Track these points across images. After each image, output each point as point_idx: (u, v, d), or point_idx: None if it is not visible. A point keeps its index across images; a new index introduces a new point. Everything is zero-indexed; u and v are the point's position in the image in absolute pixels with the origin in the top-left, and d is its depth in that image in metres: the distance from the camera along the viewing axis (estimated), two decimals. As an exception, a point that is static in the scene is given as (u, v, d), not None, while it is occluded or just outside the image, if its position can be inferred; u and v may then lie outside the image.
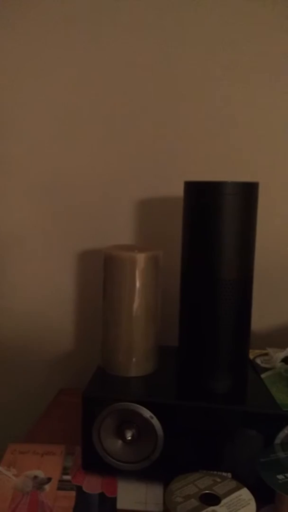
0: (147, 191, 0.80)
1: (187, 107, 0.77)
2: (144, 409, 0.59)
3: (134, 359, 0.65)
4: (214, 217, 0.60)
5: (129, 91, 0.78)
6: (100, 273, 0.82)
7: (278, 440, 0.56)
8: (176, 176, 0.78)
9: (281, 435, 0.56)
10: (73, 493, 0.59)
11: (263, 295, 0.78)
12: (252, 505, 0.49)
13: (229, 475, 0.57)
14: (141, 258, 0.63)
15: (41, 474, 0.62)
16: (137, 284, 0.64)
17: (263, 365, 0.68)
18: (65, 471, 0.63)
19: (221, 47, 0.75)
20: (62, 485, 0.60)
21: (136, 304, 0.64)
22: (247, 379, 0.64)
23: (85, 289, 0.84)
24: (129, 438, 0.59)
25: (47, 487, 0.60)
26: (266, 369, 0.66)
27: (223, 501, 0.49)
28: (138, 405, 0.59)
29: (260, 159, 0.77)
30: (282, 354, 0.65)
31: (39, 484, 0.60)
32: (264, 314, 0.79)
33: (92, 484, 0.60)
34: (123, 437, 0.60)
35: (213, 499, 0.50)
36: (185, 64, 0.76)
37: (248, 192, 0.60)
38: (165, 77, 0.77)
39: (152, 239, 0.80)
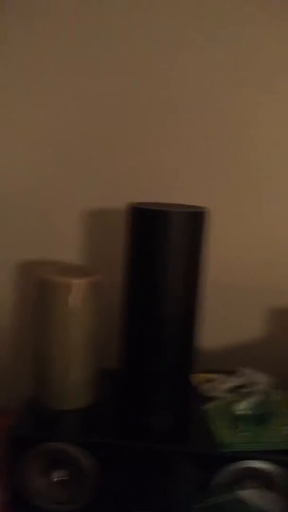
0: (95, 203, 0.75)
1: (138, 124, 0.73)
2: (76, 449, 0.54)
3: (69, 391, 0.60)
4: (159, 246, 0.55)
5: (77, 101, 0.73)
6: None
7: (217, 482, 0.53)
8: (125, 190, 0.73)
9: (220, 476, 0.53)
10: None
11: (214, 315, 0.74)
12: None
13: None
14: (78, 285, 0.59)
15: None
16: (74, 312, 0.59)
17: (208, 393, 0.64)
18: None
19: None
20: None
21: (72, 333, 0.59)
22: (190, 412, 0.61)
23: (23, 303, 0.79)
24: (59, 479, 0.55)
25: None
26: (211, 398, 0.63)
27: None
28: (69, 445, 0.54)
29: (209, 184, 0.73)
30: (226, 385, 0.61)
31: None
32: (215, 333, 0.75)
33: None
34: (52, 478, 0.56)
35: None
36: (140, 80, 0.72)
37: (196, 221, 0.56)
38: (119, 91, 0.72)
39: (97, 253, 0.75)
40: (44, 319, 0.60)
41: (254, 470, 0.52)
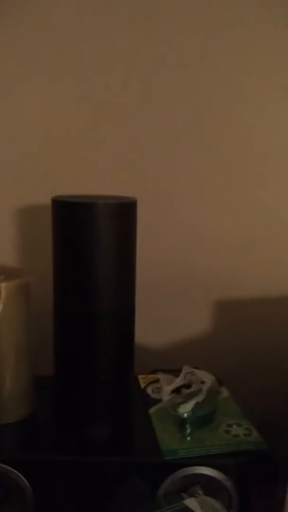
0: (23, 199, 0.69)
1: (65, 110, 0.68)
2: (11, 469, 0.50)
3: (3, 404, 0.56)
4: (86, 242, 0.51)
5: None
6: None
7: (161, 491, 0.50)
8: (55, 184, 0.68)
9: (164, 486, 0.50)
10: None
11: (157, 311, 0.72)
12: None
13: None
14: (5, 288, 0.54)
15: None
16: (2, 317, 0.54)
17: (153, 395, 0.62)
18: None
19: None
20: None
21: (1, 340, 0.55)
22: (133, 419, 0.58)
23: None
24: (-5, 501, 0.51)
25: None
26: (156, 401, 0.60)
27: None
28: (3, 466, 0.50)
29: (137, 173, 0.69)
30: (170, 387, 0.59)
31: None
32: (160, 330, 0.73)
33: None
34: (-12, 500, 0.51)
35: None
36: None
37: (125, 212, 0.52)
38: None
39: (31, 253, 0.70)
40: None
41: (199, 476, 0.50)
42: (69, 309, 0.53)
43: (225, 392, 0.63)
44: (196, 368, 0.62)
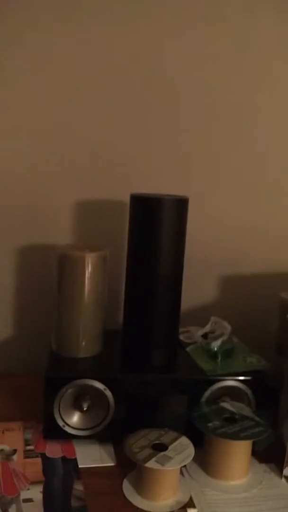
0: (88, 193, 0.90)
1: (136, 115, 0.89)
2: (98, 383, 0.71)
3: (84, 342, 0.76)
4: (154, 226, 0.73)
5: (75, 88, 0.87)
6: (41, 268, 0.90)
7: (204, 399, 0.72)
8: (115, 182, 0.89)
9: (206, 394, 0.72)
10: (39, 460, 0.69)
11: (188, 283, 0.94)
12: (191, 448, 0.65)
13: (167, 429, 0.72)
14: (91, 258, 0.74)
15: (6, 447, 0.71)
16: (88, 279, 0.75)
17: (186, 340, 0.84)
18: (27, 442, 0.72)
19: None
20: (28, 454, 0.70)
21: (86, 296, 0.75)
22: (177, 354, 0.80)
23: (28, 285, 0.92)
24: (86, 409, 0.71)
25: (14, 457, 0.69)
26: (189, 344, 0.83)
27: (170, 447, 0.64)
28: (92, 380, 0.71)
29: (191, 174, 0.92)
30: (200, 331, 0.81)
31: (7, 455, 0.69)
32: (188, 298, 0.95)
33: (54, 450, 0.71)
34: (80, 408, 0.71)
35: (162, 447, 0.64)
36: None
37: (181, 206, 0.75)
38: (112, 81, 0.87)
39: (97, 239, 0.91)
40: (64, 285, 0.75)
41: (230, 388, 0.73)
42: (138, 273, 0.76)
43: (235, 338, 0.86)
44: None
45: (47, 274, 0.82)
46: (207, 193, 0.94)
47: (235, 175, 0.95)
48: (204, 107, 0.91)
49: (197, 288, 0.96)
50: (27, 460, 0.69)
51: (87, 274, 0.74)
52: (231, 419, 0.69)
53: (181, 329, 0.86)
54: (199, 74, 0.90)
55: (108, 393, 0.71)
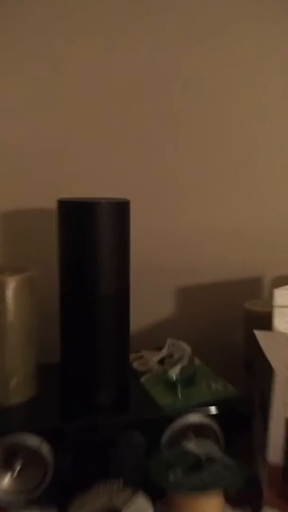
0: (14, 202, 0.76)
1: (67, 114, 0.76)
2: (31, 437, 0.57)
3: (12, 386, 0.62)
4: (89, 236, 0.60)
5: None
6: None
7: (164, 440, 0.60)
8: (48, 187, 0.76)
9: (166, 435, 0.60)
10: None
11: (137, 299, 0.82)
12: None
13: (121, 481, 0.59)
14: (12, 281, 0.61)
15: None
16: (11, 308, 0.61)
17: (140, 368, 0.71)
18: None
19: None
20: None
21: (10, 329, 0.61)
22: (129, 387, 0.67)
23: None
24: (18, 470, 0.57)
25: None
26: (143, 372, 0.70)
27: (123, 515, 0.51)
28: (23, 435, 0.57)
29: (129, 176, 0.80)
30: (157, 357, 0.69)
31: None
32: (139, 316, 0.82)
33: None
34: (11, 470, 0.58)
35: (113, 514, 0.51)
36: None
37: (121, 210, 0.62)
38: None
39: (21, 256, 0.77)
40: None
41: (194, 424, 0.61)
42: (74, 295, 0.62)
43: (196, 360, 0.74)
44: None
45: None
46: (152, 194, 0.82)
47: (189, 172, 0.84)
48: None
49: (149, 303, 0.84)
50: None
51: (8, 302, 0.61)
52: (196, 465, 0.56)
53: (132, 355, 0.74)
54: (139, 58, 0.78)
55: (45, 447, 0.57)
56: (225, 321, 0.86)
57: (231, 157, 0.85)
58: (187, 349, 0.70)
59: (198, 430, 0.61)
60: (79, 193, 0.75)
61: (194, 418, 0.61)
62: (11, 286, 0.61)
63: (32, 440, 0.57)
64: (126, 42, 0.77)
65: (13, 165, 0.76)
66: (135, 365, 0.72)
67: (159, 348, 0.75)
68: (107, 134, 0.79)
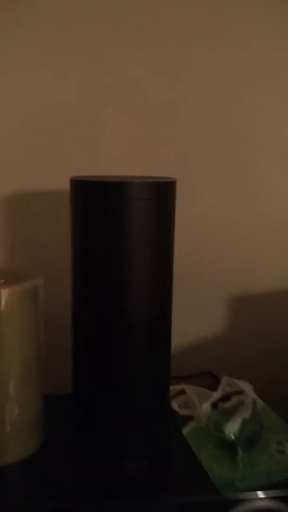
0: (23, 184, 0.57)
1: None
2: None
3: (6, 439, 0.44)
4: (116, 229, 0.41)
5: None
6: None
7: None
8: (63, 167, 0.56)
9: (220, 527, 0.41)
10: None
11: (178, 311, 0.63)
12: None
13: None
14: (7, 295, 0.42)
15: None
16: (4, 330, 0.42)
17: (182, 411, 0.52)
18: None
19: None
20: None
21: (4, 362, 0.43)
22: (167, 443, 0.48)
23: None
24: None
25: None
26: (186, 418, 0.51)
27: None
28: (17, 517, 0.39)
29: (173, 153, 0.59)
30: (208, 402, 0.50)
31: None
32: (179, 331, 0.63)
33: None
34: None
35: None
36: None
37: (162, 194, 0.42)
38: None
39: (28, 252, 0.58)
40: None
41: (261, 510, 0.42)
42: (92, 311, 0.43)
43: (259, 402, 0.55)
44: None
45: None
46: (200, 175, 0.62)
47: (239, 155, 0.62)
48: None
49: (193, 316, 0.64)
50: None
51: (4, 322, 0.42)
52: None
53: (172, 388, 0.55)
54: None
55: (46, 538, 0.40)
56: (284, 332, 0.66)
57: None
58: (249, 391, 0.50)
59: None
60: (108, 169, 0.56)
61: (263, 502, 0.42)
62: (5, 300, 0.42)
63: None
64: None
65: (27, 139, 0.57)
66: (175, 405, 0.53)
67: (202, 374, 0.56)
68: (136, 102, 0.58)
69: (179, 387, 0.56)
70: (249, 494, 0.42)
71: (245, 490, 0.42)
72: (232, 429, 0.46)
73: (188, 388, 0.54)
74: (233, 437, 0.46)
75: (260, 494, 0.42)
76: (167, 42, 0.58)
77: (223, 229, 0.64)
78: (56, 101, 0.56)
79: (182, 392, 0.55)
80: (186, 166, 0.61)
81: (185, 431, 0.49)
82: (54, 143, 0.57)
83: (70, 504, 0.41)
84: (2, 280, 0.44)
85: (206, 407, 0.49)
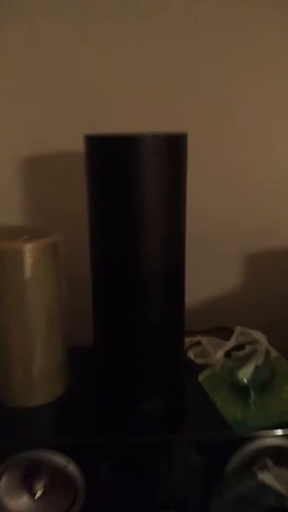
0: (38, 145, 0.59)
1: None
2: (55, 454, 0.43)
3: (35, 384, 0.48)
4: (129, 184, 0.43)
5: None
6: None
7: (230, 467, 0.45)
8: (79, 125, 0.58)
9: (233, 461, 0.45)
10: None
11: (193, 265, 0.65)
12: None
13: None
14: (30, 250, 0.45)
15: None
16: (29, 283, 0.45)
17: (198, 360, 0.55)
18: None
19: None
20: None
21: (30, 310, 0.46)
22: (184, 388, 0.51)
23: None
24: (39, 493, 0.45)
25: None
26: (201, 366, 0.54)
27: None
28: (46, 451, 0.43)
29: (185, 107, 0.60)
30: (222, 350, 0.52)
31: None
32: (196, 287, 0.65)
33: None
34: (31, 493, 0.45)
35: None
36: None
37: (174, 148, 0.44)
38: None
39: (47, 212, 0.60)
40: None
41: (272, 447, 0.45)
42: (110, 265, 0.45)
43: (272, 352, 0.57)
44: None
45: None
46: (214, 130, 0.62)
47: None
48: None
49: (209, 272, 0.66)
50: None
51: (26, 276, 0.45)
52: (277, 508, 0.41)
53: (187, 340, 0.57)
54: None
55: (73, 469, 0.43)
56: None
57: None
58: (262, 340, 0.53)
59: (278, 457, 0.45)
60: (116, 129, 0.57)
61: (273, 440, 0.45)
62: (29, 255, 0.45)
63: (58, 459, 0.43)
64: None
65: (36, 94, 0.58)
66: (191, 354, 0.56)
67: (219, 329, 0.59)
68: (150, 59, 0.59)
69: (195, 339, 0.59)
70: (261, 433, 0.45)
71: (257, 428, 0.45)
72: (245, 374, 0.49)
73: (204, 339, 0.57)
74: (246, 382, 0.48)
75: (271, 432, 0.45)
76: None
77: (236, 186, 0.65)
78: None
79: (198, 343, 0.58)
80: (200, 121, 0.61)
81: (201, 377, 0.52)
82: (66, 106, 0.58)
83: (94, 440, 0.45)
84: (26, 237, 0.46)
85: (220, 354, 0.52)
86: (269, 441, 0.44)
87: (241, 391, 0.48)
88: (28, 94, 0.58)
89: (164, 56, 0.59)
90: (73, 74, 0.58)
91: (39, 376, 0.48)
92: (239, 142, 0.63)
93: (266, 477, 0.43)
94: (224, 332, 0.63)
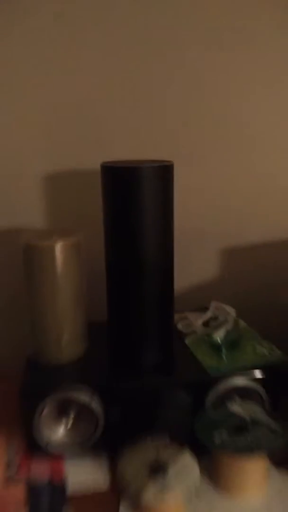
0: (59, 163, 0.76)
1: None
2: (82, 393, 0.60)
3: (64, 346, 0.65)
4: (133, 200, 0.60)
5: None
6: (7, 259, 0.78)
7: (209, 402, 0.62)
8: (93, 148, 0.75)
9: (211, 397, 0.62)
10: (21, 486, 0.59)
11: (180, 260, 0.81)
12: (195, 470, 0.55)
13: (168, 437, 0.62)
14: (60, 247, 0.62)
15: (-17, 473, 0.62)
16: (61, 272, 0.62)
17: (184, 330, 0.72)
18: (10, 462, 0.63)
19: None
20: (9, 480, 0.60)
21: (60, 292, 0.63)
22: (174, 348, 0.69)
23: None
24: (71, 423, 0.61)
25: (-7, 484, 0.60)
26: (188, 334, 0.71)
27: (171, 471, 0.54)
28: (75, 391, 0.60)
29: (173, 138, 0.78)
30: (200, 320, 0.70)
31: (-16, 484, 0.60)
32: (182, 277, 0.82)
33: (39, 473, 0.61)
34: (64, 423, 0.61)
35: (161, 469, 0.54)
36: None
37: (164, 173, 0.61)
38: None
39: (70, 218, 0.78)
40: (33, 281, 0.63)
41: (239, 386, 0.62)
42: (120, 258, 0.63)
43: (241, 322, 0.75)
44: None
45: (14, 266, 0.70)
46: (196, 154, 0.80)
47: (231, 130, 0.80)
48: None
49: (193, 265, 0.83)
50: (8, 487, 0.59)
51: (58, 266, 0.62)
52: (241, 427, 0.58)
53: (177, 315, 0.75)
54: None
55: (95, 404, 0.60)
56: (272, 283, 0.85)
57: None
58: (232, 312, 0.70)
59: (244, 393, 0.62)
60: (124, 152, 0.74)
61: (239, 381, 0.62)
62: (59, 251, 0.62)
63: (84, 396, 0.60)
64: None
65: (59, 126, 0.75)
66: (180, 326, 0.73)
67: (203, 309, 0.76)
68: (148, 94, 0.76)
69: (182, 314, 0.76)
70: (230, 376, 0.62)
71: (227, 373, 0.62)
72: (218, 335, 0.66)
73: (189, 314, 0.74)
74: (219, 341, 0.66)
75: (237, 376, 0.62)
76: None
77: (217, 195, 0.82)
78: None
79: (185, 317, 0.75)
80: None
81: (187, 340, 0.69)
82: (82, 133, 0.76)
83: (109, 384, 0.61)
84: (56, 237, 0.63)
85: (200, 323, 0.69)
86: (236, 382, 0.62)
87: (216, 348, 0.66)
88: (47, 126, 0.75)
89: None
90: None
91: (68, 340, 0.65)
92: (221, 160, 0.81)
93: (233, 407, 0.61)
94: (205, 311, 0.81)
